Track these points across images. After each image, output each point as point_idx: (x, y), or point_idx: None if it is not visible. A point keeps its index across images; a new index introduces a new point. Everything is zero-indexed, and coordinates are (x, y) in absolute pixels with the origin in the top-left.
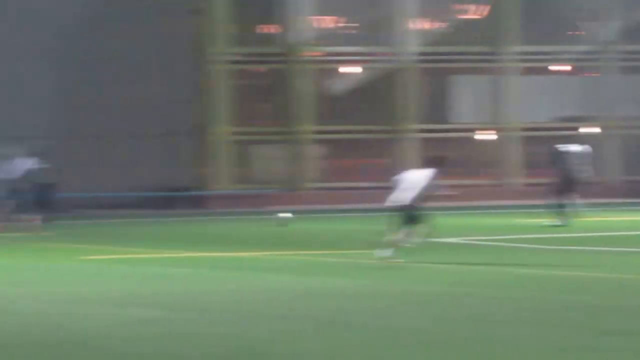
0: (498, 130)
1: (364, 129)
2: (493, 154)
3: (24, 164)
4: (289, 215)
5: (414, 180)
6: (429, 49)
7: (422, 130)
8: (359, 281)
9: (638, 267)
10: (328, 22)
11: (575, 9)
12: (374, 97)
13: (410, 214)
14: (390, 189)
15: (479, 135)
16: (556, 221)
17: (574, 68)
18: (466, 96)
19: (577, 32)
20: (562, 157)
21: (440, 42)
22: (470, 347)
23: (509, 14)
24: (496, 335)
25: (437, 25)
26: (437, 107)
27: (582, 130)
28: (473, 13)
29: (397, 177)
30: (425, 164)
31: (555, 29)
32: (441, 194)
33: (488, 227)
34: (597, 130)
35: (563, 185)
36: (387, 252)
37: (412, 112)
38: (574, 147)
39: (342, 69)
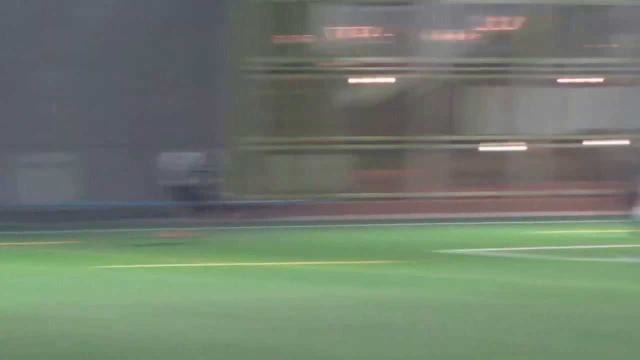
0: (526, 142)
1: (393, 140)
2: (521, 165)
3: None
4: None
5: None
6: (459, 60)
7: (450, 142)
8: (387, 291)
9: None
10: (359, 32)
11: (607, 21)
12: (402, 108)
13: None
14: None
15: (503, 147)
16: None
17: (605, 81)
18: (496, 108)
19: (609, 45)
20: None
21: (471, 53)
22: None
23: (542, 26)
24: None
25: (467, 36)
26: (465, 119)
27: (611, 142)
28: (505, 25)
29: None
30: None
31: (587, 41)
32: None
33: (522, 238)
34: (626, 142)
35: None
36: None
37: (440, 124)
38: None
39: (372, 80)
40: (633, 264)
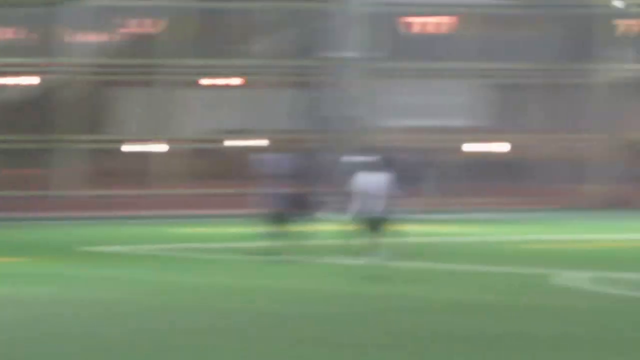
0: (169, 142)
1: (36, 139)
2: (164, 165)
3: None
4: None
5: (375, 186)
6: (103, 61)
7: (85, 141)
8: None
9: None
10: (2, 33)
11: (249, 23)
12: (46, 107)
13: (379, 222)
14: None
15: (146, 147)
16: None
17: (246, 82)
18: (139, 109)
19: (250, 47)
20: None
21: (115, 54)
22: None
23: (184, 28)
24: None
25: (111, 38)
26: (109, 119)
27: (252, 142)
28: (149, 27)
29: (353, 183)
30: (375, 167)
31: (229, 43)
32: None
33: (163, 236)
34: (264, 142)
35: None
36: (374, 258)
37: (84, 123)
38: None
39: (15, 80)
40: (254, 261)
